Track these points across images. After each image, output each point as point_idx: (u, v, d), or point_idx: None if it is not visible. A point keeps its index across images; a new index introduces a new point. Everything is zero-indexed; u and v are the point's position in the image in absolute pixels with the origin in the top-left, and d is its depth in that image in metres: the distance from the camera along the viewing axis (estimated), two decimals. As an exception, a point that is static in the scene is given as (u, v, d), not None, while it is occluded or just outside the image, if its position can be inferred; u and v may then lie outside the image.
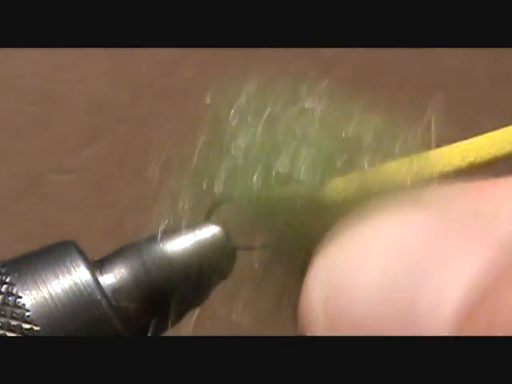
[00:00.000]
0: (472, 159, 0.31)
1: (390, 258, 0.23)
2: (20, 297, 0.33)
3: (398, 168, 0.28)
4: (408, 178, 0.27)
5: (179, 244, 0.35)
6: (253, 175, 0.31)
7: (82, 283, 0.34)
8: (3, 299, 0.33)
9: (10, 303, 0.33)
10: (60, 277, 0.34)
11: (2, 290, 0.33)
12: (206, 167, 0.32)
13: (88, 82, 0.90)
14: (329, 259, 0.25)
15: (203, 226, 0.35)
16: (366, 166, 0.29)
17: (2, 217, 0.89)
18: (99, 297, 0.33)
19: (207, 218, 0.36)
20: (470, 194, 0.24)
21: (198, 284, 0.35)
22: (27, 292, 0.33)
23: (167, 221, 0.33)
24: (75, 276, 0.34)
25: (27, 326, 0.33)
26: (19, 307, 0.33)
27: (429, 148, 0.30)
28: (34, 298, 0.33)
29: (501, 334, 0.21)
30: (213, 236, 0.35)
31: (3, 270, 0.34)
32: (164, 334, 0.36)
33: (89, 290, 0.33)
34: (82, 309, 0.33)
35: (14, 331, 0.32)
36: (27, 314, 0.33)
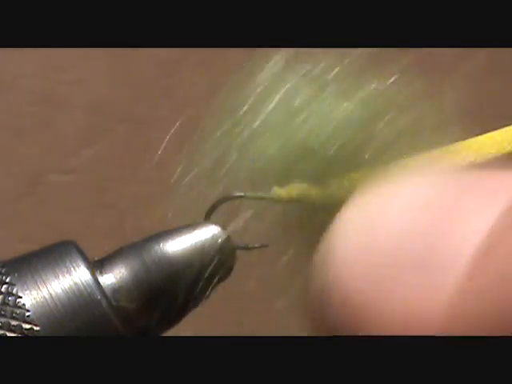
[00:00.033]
0: (472, 159, 0.31)
1: (415, 207, 0.25)
2: (20, 297, 0.33)
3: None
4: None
5: (179, 244, 0.35)
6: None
7: (82, 283, 0.34)
8: (3, 299, 0.33)
9: (10, 303, 0.33)
10: (60, 277, 0.34)
11: (2, 290, 0.33)
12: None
13: (88, 82, 0.90)
14: (359, 206, 0.27)
15: (203, 226, 0.35)
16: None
17: (1, 217, 0.89)
18: (99, 297, 0.33)
19: (207, 218, 0.36)
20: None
21: (198, 284, 0.35)
22: (27, 292, 0.33)
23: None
24: (75, 276, 0.34)
25: (27, 326, 0.33)
26: (19, 307, 0.33)
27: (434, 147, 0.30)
28: (34, 298, 0.33)
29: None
30: (213, 236, 0.35)
31: (3, 270, 0.34)
32: (164, 334, 0.36)
33: (89, 290, 0.33)
34: (82, 309, 0.33)
35: (14, 331, 0.32)
36: (27, 313, 0.33)
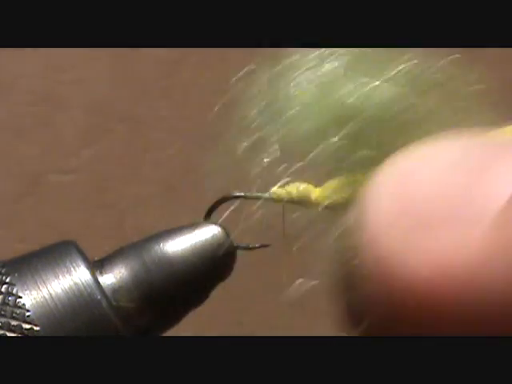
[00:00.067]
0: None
1: (444, 167, 0.27)
2: (20, 297, 0.33)
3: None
4: None
5: (179, 244, 0.35)
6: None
7: (82, 283, 0.34)
8: (3, 299, 0.33)
9: (10, 303, 0.33)
10: (60, 277, 0.34)
11: (2, 289, 0.33)
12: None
13: (88, 82, 0.90)
14: (391, 169, 0.28)
15: (203, 226, 0.35)
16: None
17: (1, 217, 0.89)
18: (99, 297, 0.33)
19: (207, 218, 0.36)
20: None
21: (198, 284, 0.35)
22: (27, 292, 0.33)
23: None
24: (75, 276, 0.34)
25: (27, 326, 0.33)
26: (19, 307, 0.33)
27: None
28: (34, 298, 0.33)
29: None
30: (213, 236, 0.35)
31: (3, 270, 0.34)
32: (164, 334, 0.36)
33: (89, 290, 0.33)
34: (82, 309, 0.33)
35: (14, 331, 0.32)
36: (27, 314, 0.33)
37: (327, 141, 0.32)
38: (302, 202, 0.34)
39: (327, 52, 0.33)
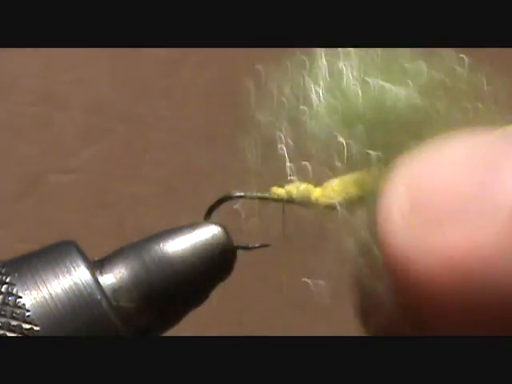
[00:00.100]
0: None
1: (457, 164, 0.28)
2: (20, 297, 0.33)
3: None
4: None
5: (179, 244, 0.35)
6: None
7: (82, 283, 0.34)
8: (3, 299, 0.33)
9: (10, 303, 0.33)
10: (60, 277, 0.34)
11: (2, 289, 0.33)
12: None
13: (88, 82, 0.90)
14: (407, 166, 0.29)
15: (203, 226, 0.35)
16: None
17: (1, 217, 0.89)
18: (99, 297, 0.33)
19: (207, 218, 0.36)
20: None
21: (198, 284, 0.35)
22: (27, 292, 0.33)
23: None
24: (75, 276, 0.34)
25: (27, 326, 0.33)
26: (19, 307, 0.33)
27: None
28: (34, 298, 0.33)
29: None
30: (213, 236, 0.35)
31: (3, 270, 0.34)
32: (164, 334, 0.36)
33: (89, 290, 0.33)
34: (82, 309, 0.33)
35: (13, 331, 0.32)
36: (27, 314, 0.33)
37: (336, 140, 0.32)
38: (302, 202, 0.34)
39: (334, 52, 0.33)
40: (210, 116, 0.89)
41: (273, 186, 0.35)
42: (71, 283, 0.34)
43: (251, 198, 0.35)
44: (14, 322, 0.33)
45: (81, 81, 0.90)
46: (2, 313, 0.33)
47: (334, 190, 0.33)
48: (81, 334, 0.33)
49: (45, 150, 0.89)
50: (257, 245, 0.36)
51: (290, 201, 0.34)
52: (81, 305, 0.33)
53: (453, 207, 0.27)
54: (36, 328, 0.32)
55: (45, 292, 0.33)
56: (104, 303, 0.33)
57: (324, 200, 0.34)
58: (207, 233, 0.35)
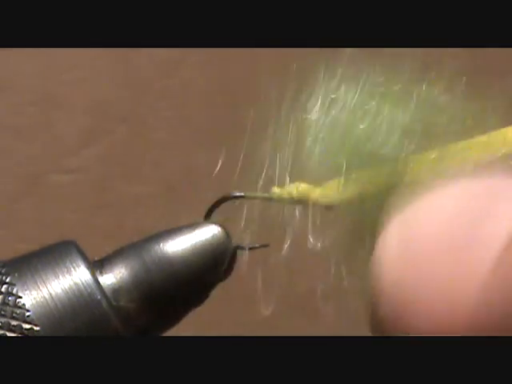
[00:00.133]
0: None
1: (448, 213, 0.28)
2: (20, 297, 0.33)
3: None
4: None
5: (179, 244, 0.35)
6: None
7: (82, 283, 0.34)
8: (3, 299, 0.33)
9: (10, 303, 0.33)
10: (60, 277, 0.34)
11: (2, 289, 0.33)
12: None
13: (88, 82, 0.90)
14: (400, 217, 0.30)
15: (203, 226, 0.35)
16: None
17: (1, 217, 0.89)
18: (99, 297, 0.33)
19: (207, 218, 0.36)
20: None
21: (198, 284, 0.35)
22: (27, 292, 0.33)
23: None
24: (75, 276, 0.34)
25: (27, 326, 0.33)
26: (19, 307, 0.33)
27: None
28: (34, 298, 0.33)
29: None
30: (213, 236, 0.35)
31: (3, 270, 0.34)
32: (164, 334, 0.36)
33: (89, 290, 0.33)
34: (82, 309, 0.33)
35: (14, 331, 0.32)
36: (27, 314, 0.33)
37: (336, 163, 0.32)
38: (302, 202, 0.34)
39: (338, 77, 0.33)
40: (210, 116, 0.89)
41: (273, 186, 0.35)
42: (71, 283, 0.34)
43: (251, 197, 0.35)
44: (14, 322, 0.33)
45: (81, 81, 0.90)
46: (2, 313, 0.33)
47: (334, 190, 0.33)
48: (81, 334, 0.33)
49: (45, 150, 0.89)
50: (257, 245, 0.36)
51: (289, 201, 0.34)
52: (81, 305, 0.33)
53: (446, 255, 0.28)
54: (36, 328, 0.32)
55: (45, 292, 0.33)
56: (104, 303, 0.33)
57: (324, 200, 0.34)
58: (207, 233, 0.35)
